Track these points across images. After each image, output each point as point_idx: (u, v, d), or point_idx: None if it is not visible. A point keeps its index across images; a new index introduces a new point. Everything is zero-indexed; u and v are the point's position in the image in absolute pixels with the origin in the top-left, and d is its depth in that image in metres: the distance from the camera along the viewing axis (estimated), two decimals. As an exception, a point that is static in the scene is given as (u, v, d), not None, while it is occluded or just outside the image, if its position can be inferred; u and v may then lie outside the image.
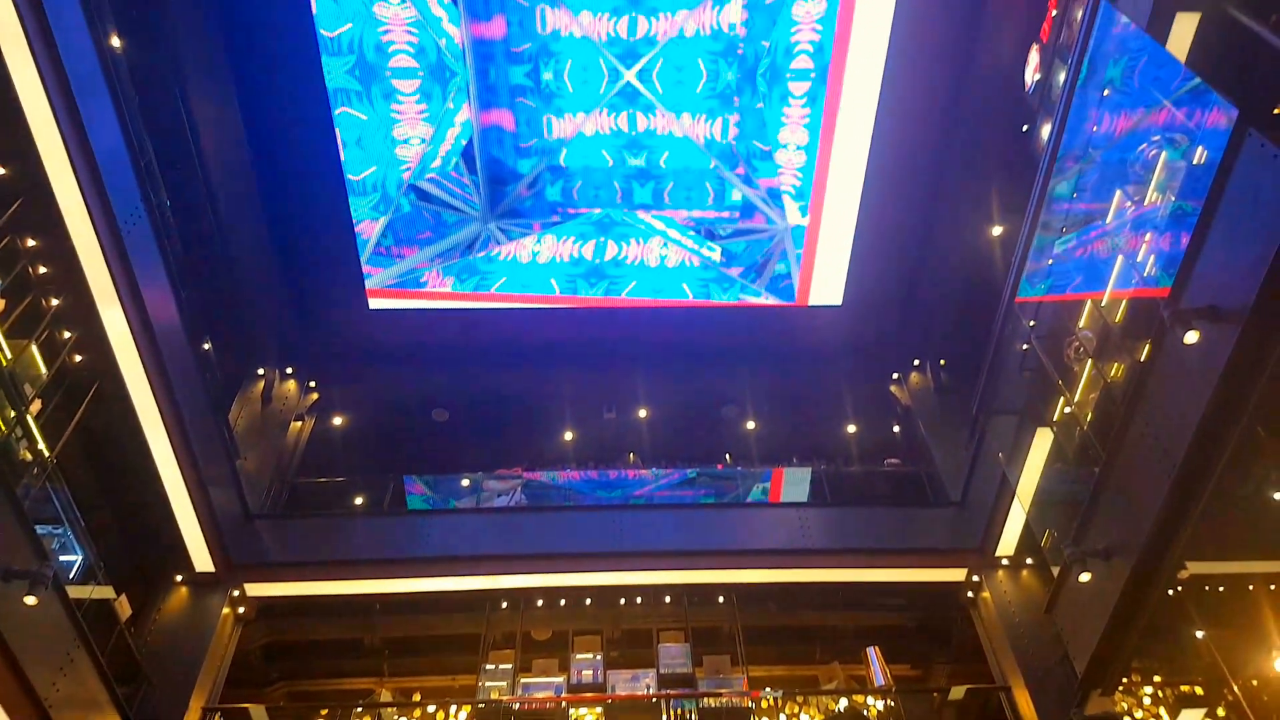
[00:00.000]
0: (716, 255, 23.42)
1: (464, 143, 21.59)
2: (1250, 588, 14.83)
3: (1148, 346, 12.84)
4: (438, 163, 21.74)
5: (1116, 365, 14.34)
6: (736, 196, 22.68)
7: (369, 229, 22.68)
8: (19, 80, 13.17)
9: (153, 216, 16.13)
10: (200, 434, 17.59)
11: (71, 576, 15.75)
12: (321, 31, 19.97)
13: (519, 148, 21.82)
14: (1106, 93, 14.52)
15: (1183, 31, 13.33)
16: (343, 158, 21.50)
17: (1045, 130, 17.75)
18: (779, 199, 22.63)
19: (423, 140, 21.42)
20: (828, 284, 24.03)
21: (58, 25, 13.48)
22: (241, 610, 18.90)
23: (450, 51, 20.34)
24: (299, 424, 24.02)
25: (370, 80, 20.63)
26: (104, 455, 16.98)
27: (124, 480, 17.31)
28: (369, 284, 23.59)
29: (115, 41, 16.43)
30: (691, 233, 23.13)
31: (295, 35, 19.99)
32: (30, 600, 12.81)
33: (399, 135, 21.35)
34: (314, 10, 19.74)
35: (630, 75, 20.80)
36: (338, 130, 21.17)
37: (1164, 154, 13.27)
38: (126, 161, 15.47)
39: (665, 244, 23.22)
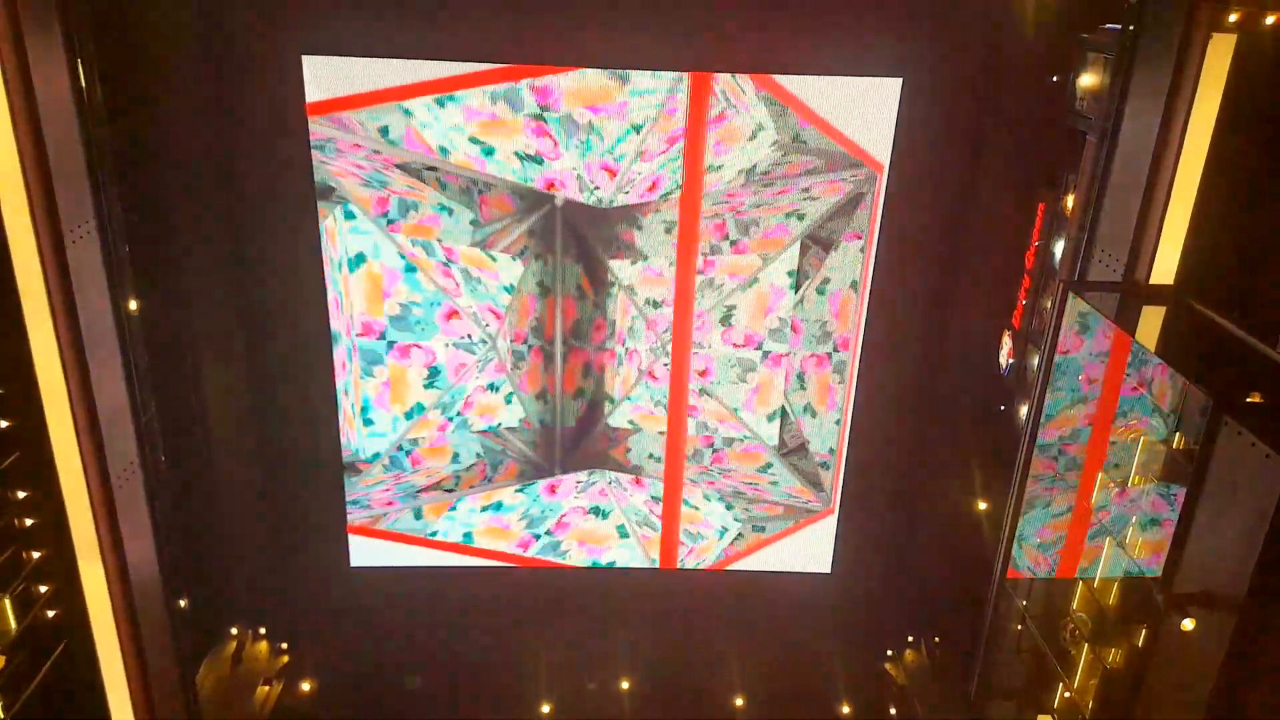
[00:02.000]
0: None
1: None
2: None
3: (1144, 632, 12.64)
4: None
5: (1114, 650, 14.02)
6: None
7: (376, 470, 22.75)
8: (35, 340, 13.69)
9: (146, 474, 16.21)
10: (165, 697, 16.78)
11: None
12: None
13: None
14: (1081, 377, 15.14)
15: (1151, 323, 14.06)
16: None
17: (1022, 410, 18.30)
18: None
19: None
20: (815, 550, 23.89)
21: (80, 290, 14.14)
22: None
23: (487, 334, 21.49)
24: (267, 688, 22.89)
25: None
26: (60, 715, 16.04)
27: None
28: (362, 520, 23.19)
29: (133, 305, 17.10)
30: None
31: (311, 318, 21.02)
32: None
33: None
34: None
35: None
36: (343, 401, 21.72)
37: (1143, 438, 13.66)
38: (128, 419, 15.75)
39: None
